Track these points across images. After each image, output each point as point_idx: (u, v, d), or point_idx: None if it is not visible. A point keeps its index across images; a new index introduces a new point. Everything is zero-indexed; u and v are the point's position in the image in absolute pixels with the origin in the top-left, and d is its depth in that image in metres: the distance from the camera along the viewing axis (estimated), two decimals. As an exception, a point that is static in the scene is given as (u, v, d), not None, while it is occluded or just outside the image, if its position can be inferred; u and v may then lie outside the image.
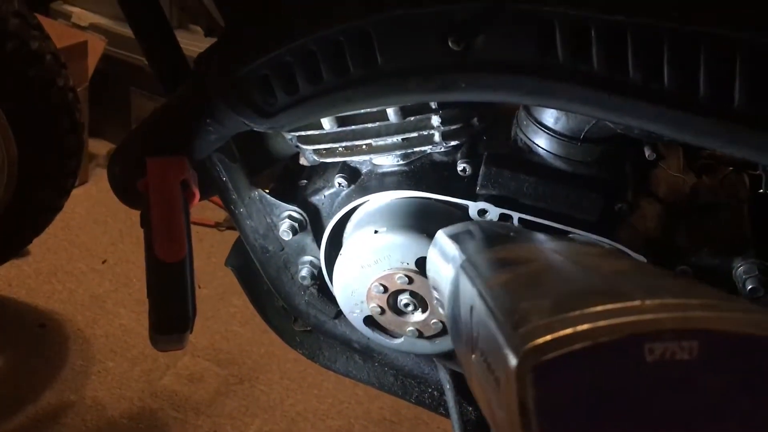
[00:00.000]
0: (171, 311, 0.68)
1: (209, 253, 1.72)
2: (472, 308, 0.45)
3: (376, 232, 0.80)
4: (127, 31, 1.87)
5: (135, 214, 1.95)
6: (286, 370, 1.50)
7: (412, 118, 0.77)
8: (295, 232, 0.87)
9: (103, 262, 1.67)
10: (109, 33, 1.87)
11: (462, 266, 0.50)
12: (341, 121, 0.79)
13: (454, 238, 0.60)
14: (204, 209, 1.85)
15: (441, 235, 0.63)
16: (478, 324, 0.43)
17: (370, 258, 0.80)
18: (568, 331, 0.35)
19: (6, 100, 1.11)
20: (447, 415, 0.94)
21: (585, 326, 0.35)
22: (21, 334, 1.47)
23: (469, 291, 0.47)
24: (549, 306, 0.38)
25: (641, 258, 0.76)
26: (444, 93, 0.62)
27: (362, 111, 0.76)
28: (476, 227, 0.62)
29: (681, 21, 0.54)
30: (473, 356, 0.43)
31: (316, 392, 1.46)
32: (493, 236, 0.56)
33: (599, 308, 0.36)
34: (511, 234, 0.56)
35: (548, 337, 0.35)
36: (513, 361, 0.36)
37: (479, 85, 0.60)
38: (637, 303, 0.36)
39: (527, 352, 0.35)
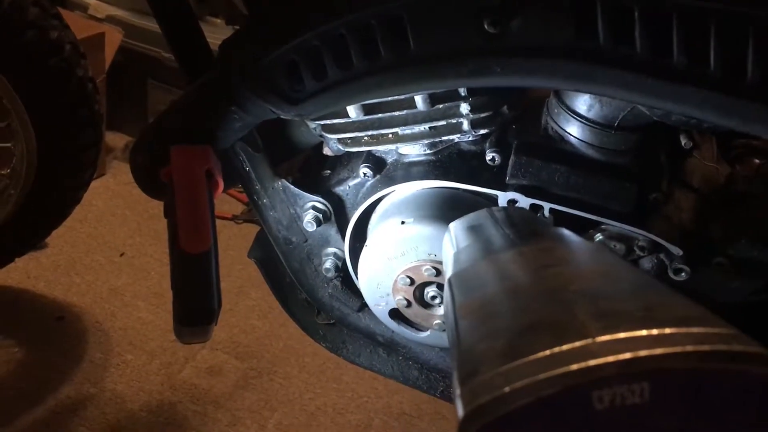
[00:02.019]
0: (196, 303, 0.67)
1: (227, 246, 1.70)
2: (450, 332, 0.44)
3: (402, 222, 0.78)
4: (143, 23, 1.87)
5: (152, 207, 1.94)
6: (305, 364, 1.48)
7: (441, 106, 0.75)
8: (319, 223, 0.85)
9: (121, 255, 1.67)
10: (126, 25, 1.86)
11: (449, 282, 0.49)
12: (367, 110, 0.77)
13: (458, 236, 0.59)
14: (221, 202, 1.84)
15: (450, 230, 0.62)
16: (452, 352, 0.42)
17: (396, 249, 0.79)
18: (510, 387, 0.34)
19: (25, 91, 1.10)
20: (473, 410, 0.92)
21: (526, 381, 0.33)
22: (40, 327, 1.47)
23: (450, 311, 0.46)
24: (500, 349, 0.37)
25: (677, 250, 0.74)
26: (477, 78, 0.60)
27: (389, 99, 0.74)
28: (484, 220, 0.60)
29: (729, 2, 0.52)
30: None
31: (335, 386, 1.45)
32: (492, 239, 0.54)
33: (546, 353, 0.34)
34: (512, 233, 0.53)
35: (490, 396, 0.34)
36: (461, 415, 0.35)
37: (515, 70, 0.58)
38: (585, 343, 0.34)
39: (472, 412, 0.34)
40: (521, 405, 0.33)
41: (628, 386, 0.33)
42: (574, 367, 0.33)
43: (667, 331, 0.34)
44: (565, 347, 0.34)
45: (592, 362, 0.33)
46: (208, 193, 0.70)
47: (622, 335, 0.34)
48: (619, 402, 0.33)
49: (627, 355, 0.33)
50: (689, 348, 0.33)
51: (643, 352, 0.33)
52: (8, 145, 1.24)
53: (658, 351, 0.33)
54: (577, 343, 0.34)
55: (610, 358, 0.33)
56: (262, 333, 1.53)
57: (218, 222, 1.83)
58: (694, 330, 0.34)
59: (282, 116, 0.70)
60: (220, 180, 0.73)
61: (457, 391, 0.36)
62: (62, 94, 1.13)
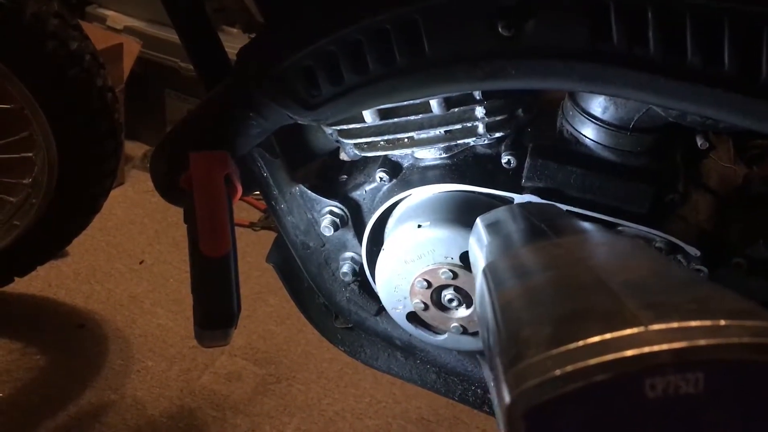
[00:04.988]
0: (216, 307, 0.67)
1: (244, 253, 1.72)
2: (488, 320, 0.44)
3: (419, 226, 0.79)
4: (161, 33, 1.90)
5: (171, 215, 1.96)
6: (323, 370, 1.49)
7: (456, 110, 0.76)
8: (336, 227, 0.86)
9: (141, 263, 1.68)
10: (144, 35, 1.89)
11: (484, 272, 0.49)
12: (383, 114, 0.78)
13: (490, 228, 0.59)
14: (239, 209, 1.86)
15: (478, 224, 0.62)
16: (491, 339, 0.42)
17: (413, 253, 0.79)
18: (561, 371, 0.33)
19: (46, 101, 1.12)
20: (491, 413, 0.93)
21: (578, 365, 0.33)
22: (61, 335, 1.48)
23: (487, 300, 0.45)
24: (547, 335, 0.36)
25: (694, 251, 0.74)
26: (493, 81, 0.61)
27: (405, 103, 0.75)
28: (516, 213, 0.60)
29: (743, 1, 0.52)
30: (487, 368, 0.41)
31: (354, 391, 1.45)
32: (527, 230, 0.54)
33: (596, 339, 0.34)
34: (545, 226, 0.53)
35: (540, 380, 0.33)
36: (507, 399, 0.34)
37: (529, 72, 0.59)
38: (638, 330, 0.34)
39: (519, 395, 0.33)
40: (572, 389, 0.32)
41: (682, 375, 0.33)
42: (629, 353, 0.33)
43: (722, 322, 0.34)
44: (617, 334, 0.34)
45: (647, 349, 0.33)
46: (227, 199, 0.71)
47: (675, 325, 0.34)
48: (672, 391, 0.33)
49: (683, 344, 0.33)
50: (746, 340, 0.33)
51: (699, 342, 0.33)
52: (30, 154, 1.26)
53: (715, 341, 0.33)
54: (630, 331, 0.34)
55: (665, 346, 0.33)
56: (280, 339, 1.53)
57: (236, 229, 1.85)
58: (749, 323, 0.34)
59: (299, 122, 0.71)
60: (239, 185, 0.74)
61: (502, 377, 0.35)
62: (83, 104, 1.15)
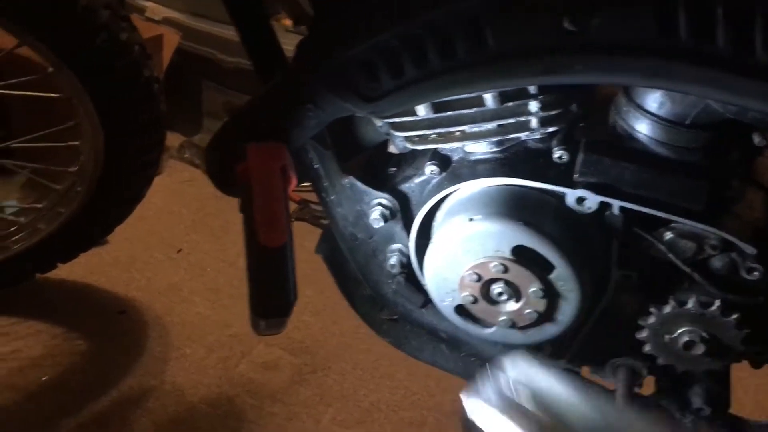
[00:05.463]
0: (274, 296, 0.68)
1: (280, 244, 1.73)
2: None
3: (470, 219, 0.79)
4: (199, 25, 1.91)
5: (208, 206, 1.98)
6: (359, 361, 1.50)
7: (510, 104, 0.76)
8: (385, 219, 0.87)
9: (179, 252, 1.71)
10: (182, 26, 1.91)
11: None
12: (436, 108, 0.78)
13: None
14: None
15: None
16: None
17: (464, 246, 0.80)
18: None
19: (95, 91, 1.14)
20: (535, 407, 0.93)
21: None
22: (103, 321, 1.51)
23: None
24: None
25: (750, 249, 0.73)
26: (555, 76, 0.61)
27: (458, 97, 0.75)
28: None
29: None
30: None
31: (389, 383, 1.46)
32: None
33: None
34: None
35: None
36: None
37: (593, 67, 0.59)
38: None
39: None
40: None
41: None
42: None
43: None
44: None
45: None
46: (283, 189, 0.72)
47: None
48: None
49: None
50: None
51: None
52: (76, 143, 1.28)
53: None
54: None
55: None
56: (316, 329, 1.55)
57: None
58: None
59: (357, 114, 0.72)
60: (294, 176, 0.75)
61: None
62: (130, 93, 1.17)
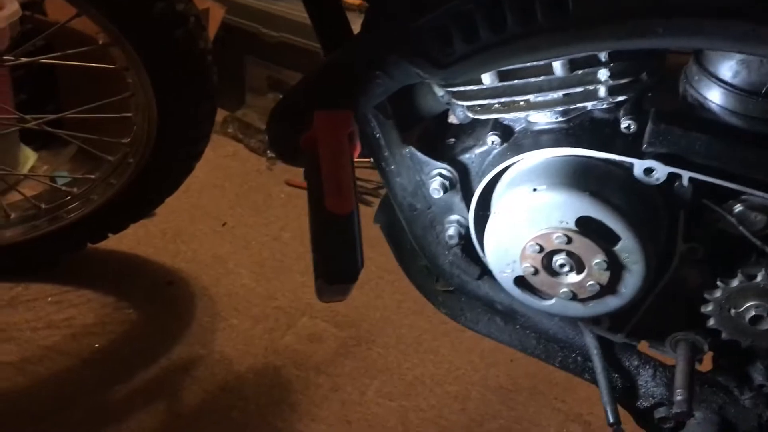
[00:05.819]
0: (342, 262, 0.69)
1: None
2: None
3: (534, 190, 0.78)
4: (243, -1, 1.91)
5: (251, 180, 2.00)
6: (402, 335, 1.51)
7: (579, 72, 0.75)
8: (445, 190, 0.86)
9: (223, 225, 1.73)
10: (227, 0, 1.91)
11: None
12: (502, 76, 0.77)
13: None
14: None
15: None
16: None
17: (527, 217, 0.79)
18: None
19: (151, 62, 1.15)
20: (592, 380, 0.92)
21: None
22: (151, 290, 1.54)
23: None
24: None
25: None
26: (637, 40, 0.59)
27: (527, 64, 0.74)
28: None
29: None
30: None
31: (432, 357, 1.47)
32: None
33: None
34: None
35: None
36: None
37: (678, 31, 0.57)
38: None
39: None
40: None
41: None
42: None
43: None
44: None
45: None
46: (350, 157, 0.72)
47: None
48: None
49: None
50: None
51: None
52: (129, 114, 1.30)
53: None
54: None
55: None
56: (359, 303, 1.56)
57: (306, 194, 1.86)
58: None
59: (428, 80, 0.71)
60: (358, 144, 0.75)
61: None
62: (184, 65, 1.17)
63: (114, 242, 1.53)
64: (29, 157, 1.75)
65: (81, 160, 1.77)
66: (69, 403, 1.29)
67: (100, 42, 1.24)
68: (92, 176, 1.38)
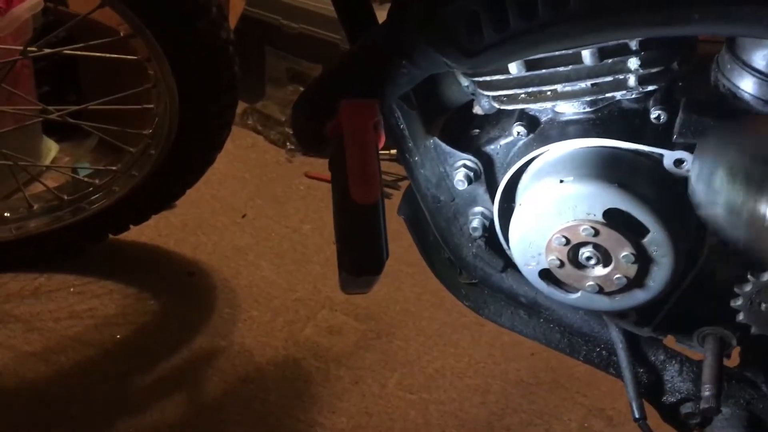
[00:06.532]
0: (368, 253, 0.68)
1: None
2: None
3: (561, 181, 0.77)
4: (263, -10, 1.91)
5: (270, 172, 2.00)
6: (422, 328, 1.50)
7: (609, 61, 0.73)
8: (469, 181, 0.85)
9: (243, 217, 1.73)
10: (247, -8, 1.91)
11: None
12: (529, 66, 0.76)
13: None
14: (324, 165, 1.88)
15: None
16: None
17: (553, 208, 0.78)
18: None
19: (173, 52, 1.15)
20: (617, 375, 0.91)
21: None
22: (173, 281, 1.55)
23: None
24: None
25: None
26: (673, 27, 0.58)
27: (555, 53, 0.73)
28: None
29: None
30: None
31: (453, 350, 1.46)
32: None
33: None
34: None
35: None
36: None
37: (717, 18, 0.56)
38: None
39: None
40: None
41: None
42: None
43: None
44: None
45: None
46: (375, 146, 0.71)
47: None
48: None
49: None
50: None
51: None
52: (151, 106, 1.30)
53: None
54: None
55: None
56: (379, 296, 1.55)
57: (324, 185, 1.86)
58: None
59: (455, 69, 0.70)
60: (383, 134, 0.74)
61: None
62: (207, 56, 1.17)
63: (135, 233, 1.54)
64: (51, 148, 1.76)
65: (102, 151, 1.78)
66: (91, 393, 1.30)
67: (122, 33, 1.25)
68: (114, 168, 1.39)
